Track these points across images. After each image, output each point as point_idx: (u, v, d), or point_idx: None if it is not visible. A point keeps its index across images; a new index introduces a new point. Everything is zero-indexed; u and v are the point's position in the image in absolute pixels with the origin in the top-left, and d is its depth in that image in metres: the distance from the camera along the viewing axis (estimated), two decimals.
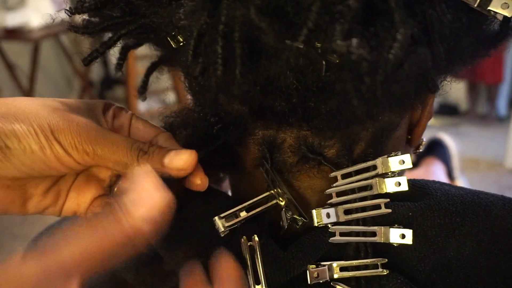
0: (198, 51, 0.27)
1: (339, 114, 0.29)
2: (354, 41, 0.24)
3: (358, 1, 0.24)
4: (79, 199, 0.35)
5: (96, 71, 3.43)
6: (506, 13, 0.28)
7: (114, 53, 0.37)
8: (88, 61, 0.34)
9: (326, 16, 0.24)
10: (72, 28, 0.34)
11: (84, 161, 0.31)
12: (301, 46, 0.25)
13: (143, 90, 0.40)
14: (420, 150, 0.39)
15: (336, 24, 0.24)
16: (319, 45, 0.25)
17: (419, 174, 1.49)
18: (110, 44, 0.33)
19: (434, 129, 2.87)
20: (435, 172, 1.50)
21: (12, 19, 2.67)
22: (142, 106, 3.04)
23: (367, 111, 0.26)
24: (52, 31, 2.65)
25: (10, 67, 2.82)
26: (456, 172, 1.56)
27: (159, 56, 0.38)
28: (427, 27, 0.27)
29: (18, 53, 2.92)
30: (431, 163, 1.54)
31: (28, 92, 2.88)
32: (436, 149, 1.57)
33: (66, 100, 0.33)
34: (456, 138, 1.83)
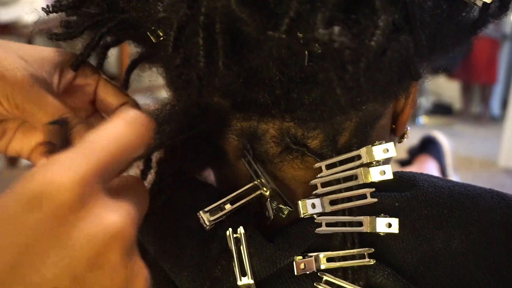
0: (179, 43, 0.27)
1: (323, 104, 0.28)
2: (336, 29, 0.23)
3: None
4: (24, 141, 0.35)
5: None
6: None
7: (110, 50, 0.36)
8: (76, 67, 0.34)
9: (307, 5, 0.24)
10: (53, 35, 0.33)
11: (14, 114, 0.31)
12: (283, 36, 0.25)
13: (124, 88, 0.39)
14: (406, 139, 0.39)
15: (318, 13, 0.24)
16: (301, 35, 0.25)
17: (413, 171, 1.49)
18: (94, 45, 0.33)
19: (428, 128, 2.89)
20: (428, 169, 1.50)
21: (5, 14, 2.66)
22: (138, 102, 3.02)
23: (350, 100, 0.26)
24: (45, 26, 2.64)
25: None
26: (449, 170, 1.56)
27: (139, 53, 0.38)
28: (408, 14, 0.27)
29: None
30: (424, 161, 1.55)
31: None
32: (430, 147, 1.58)
33: (23, 47, 0.33)
34: (450, 137, 1.83)
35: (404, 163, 1.56)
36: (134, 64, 0.39)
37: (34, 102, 0.31)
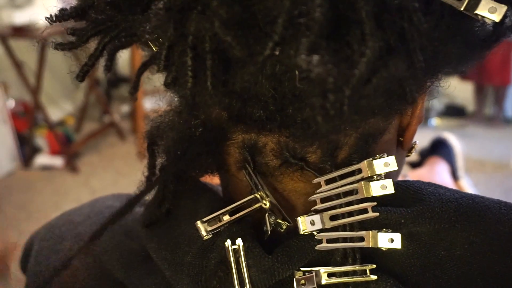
0: (169, 61, 0.27)
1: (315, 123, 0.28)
2: (315, 58, 0.23)
3: (323, 14, 0.23)
4: None
5: (102, 70, 3.43)
6: (494, 17, 0.27)
7: (120, 52, 0.36)
8: (81, 77, 0.33)
9: (291, 29, 0.23)
10: (58, 46, 0.33)
11: None
12: (267, 55, 0.24)
13: (134, 91, 0.38)
14: (413, 153, 0.38)
15: (302, 38, 0.23)
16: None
17: (423, 173, 1.47)
18: (97, 54, 0.33)
19: (440, 130, 2.86)
20: (439, 171, 1.48)
21: (20, 17, 2.69)
22: (148, 104, 3.04)
23: (333, 128, 0.25)
24: (59, 29, 2.66)
25: (18, 65, 2.84)
26: (461, 172, 1.54)
27: (150, 55, 0.38)
28: (404, 34, 0.26)
29: (25, 50, 2.94)
30: (435, 163, 1.52)
31: (35, 89, 2.90)
32: (441, 148, 1.56)
33: None
34: (463, 139, 1.81)
35: (414, 165, 1.54)
36: (145, 66, 0.38)
37: None
